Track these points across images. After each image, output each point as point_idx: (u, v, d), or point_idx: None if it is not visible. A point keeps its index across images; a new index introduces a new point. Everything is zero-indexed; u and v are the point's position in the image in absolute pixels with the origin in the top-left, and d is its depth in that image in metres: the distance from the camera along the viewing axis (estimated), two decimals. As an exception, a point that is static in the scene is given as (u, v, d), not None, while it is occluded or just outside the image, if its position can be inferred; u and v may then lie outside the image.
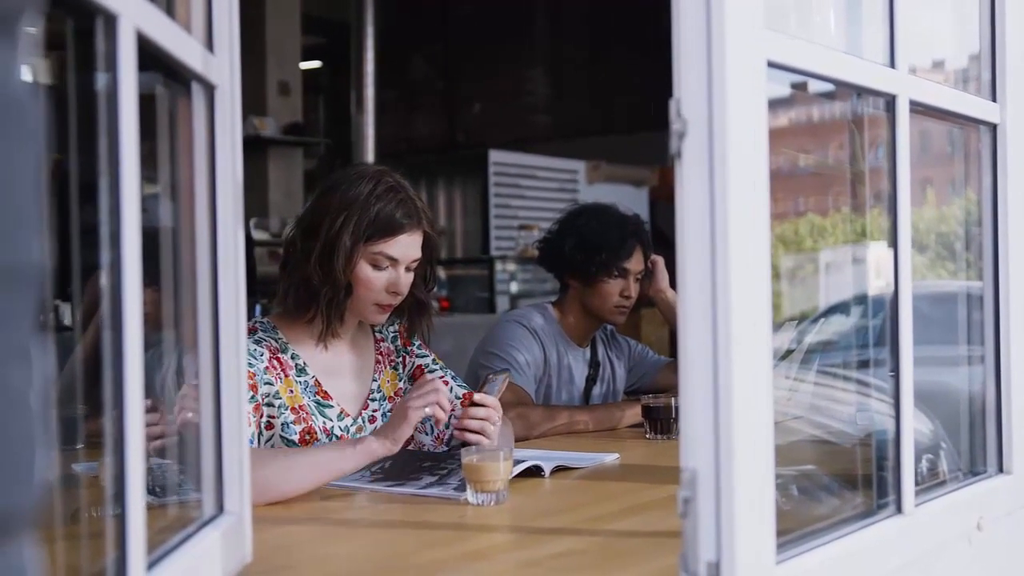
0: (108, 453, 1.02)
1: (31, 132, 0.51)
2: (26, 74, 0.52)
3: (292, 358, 2.23)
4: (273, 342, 2.22)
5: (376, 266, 2.20)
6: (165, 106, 1.30)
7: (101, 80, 1.00)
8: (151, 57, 1.11)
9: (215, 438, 1.36)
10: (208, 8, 1.35)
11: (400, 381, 2.41)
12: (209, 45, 1.34)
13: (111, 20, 0.98)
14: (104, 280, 1.00)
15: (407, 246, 2.22)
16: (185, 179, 1.34)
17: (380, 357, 2.39)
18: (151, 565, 1.08)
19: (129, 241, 1.00)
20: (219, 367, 1.37)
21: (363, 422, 2.29)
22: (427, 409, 2.00)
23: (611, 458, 2.36)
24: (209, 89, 1.34)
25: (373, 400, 2.34)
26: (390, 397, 2.36)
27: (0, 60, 0.49)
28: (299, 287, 2.20)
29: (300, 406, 2.19)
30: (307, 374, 2.23)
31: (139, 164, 1.02)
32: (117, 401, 1.00)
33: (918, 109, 1.58)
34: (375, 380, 2.36)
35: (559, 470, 2.19)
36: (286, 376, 2.19)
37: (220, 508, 1.37)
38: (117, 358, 1.00)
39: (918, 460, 1.65)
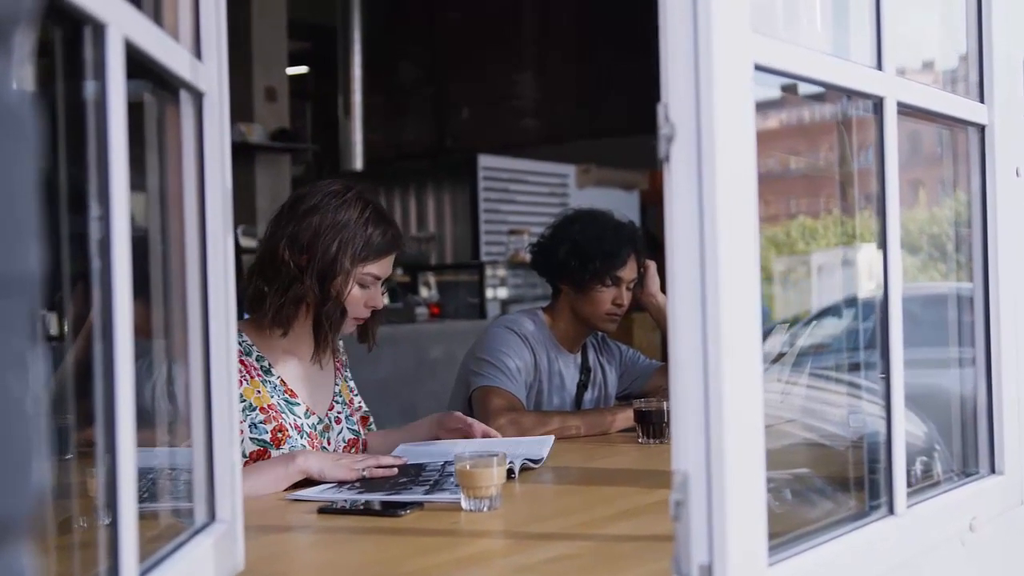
0: (98, 462, 1.01)
1: (28, 141, 0.51)
2: (21, 83, 0.52)
3: (257, 360, 2.30)
4: (237, 346, 2.24)
5: (362, 285, 2.31)
6: (153, 114, 1.30)
7: (89, 88, 1.00)
8: (138, 65, 1.10)
9: (206, 446, 1.36)
10: (196, 15, 1.35)
11: (351, 392, 2.53)
12: (197, 52, 1.34)
13: (99, 29, 0.98)
14: (95, 289, 0.99)
15: (390, 265, 2.37)
16: (173, 187, 1.34)
17: (339, 366, 2.51)
18: (143, 574, 1.08)
19: (119, 249, 1.00)
20: (210, 375, 1.37)
21: (330, 421, 2.40)
22: (365, 472, 2.12)
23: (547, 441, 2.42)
24: (197, 97, 1.34)
25: (337, 402, 2.45)
26: (348, 402, 2.48)
27: (-4, 69, 0.49)
28: (293, 304, 2.28)
29: (269, 405, 2.27)
30: (273, 375, 2.31)
31: (128, 172, 1.02)
32: (108, 410, 0.99)
33: (906, 111, 1.59)
34: (336, 385, 2.47)
35: (525, 469, 2.22)
36: (252, 378, 2.27)
37: (212, 516, 1.37)
38: (107, 367, 0.99)
39: (912, 462, 1.65)
